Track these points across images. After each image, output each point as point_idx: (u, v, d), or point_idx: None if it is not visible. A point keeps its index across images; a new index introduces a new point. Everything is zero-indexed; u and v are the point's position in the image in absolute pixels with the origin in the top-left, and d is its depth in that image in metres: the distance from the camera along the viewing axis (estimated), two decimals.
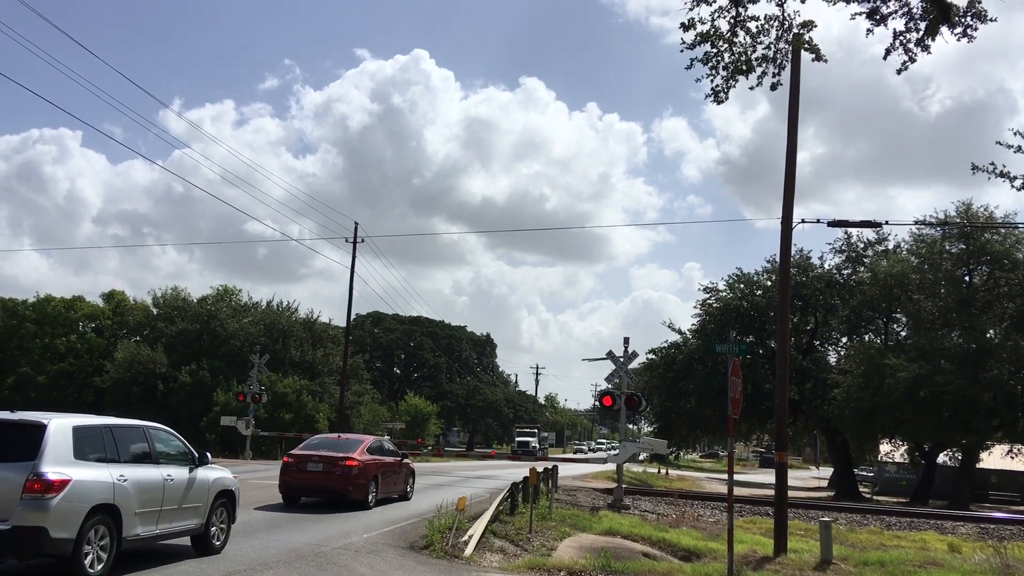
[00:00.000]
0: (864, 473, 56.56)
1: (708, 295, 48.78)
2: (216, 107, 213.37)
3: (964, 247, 39.04)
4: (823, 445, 51.66)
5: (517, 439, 78.41)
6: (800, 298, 44.94)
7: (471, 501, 18.79)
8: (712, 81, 11.36)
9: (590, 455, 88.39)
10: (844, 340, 48.21)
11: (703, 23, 10.91)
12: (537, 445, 75.88)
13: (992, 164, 13.28)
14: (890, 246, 45.33)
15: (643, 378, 48.11)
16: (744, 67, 11.12)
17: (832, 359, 48.15)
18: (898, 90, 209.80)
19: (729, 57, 11.15)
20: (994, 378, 35.34)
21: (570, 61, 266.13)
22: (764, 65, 11.30)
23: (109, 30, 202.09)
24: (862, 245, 46.32)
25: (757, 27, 10.99)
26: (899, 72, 11.15)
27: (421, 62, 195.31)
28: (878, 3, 10.77)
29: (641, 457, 47.28)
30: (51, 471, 9.31)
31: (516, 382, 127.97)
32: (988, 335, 37.89)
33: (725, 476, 16.19)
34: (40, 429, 9.60)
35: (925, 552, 18.14)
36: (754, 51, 11.12)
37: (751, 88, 11.60)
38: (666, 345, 49.40)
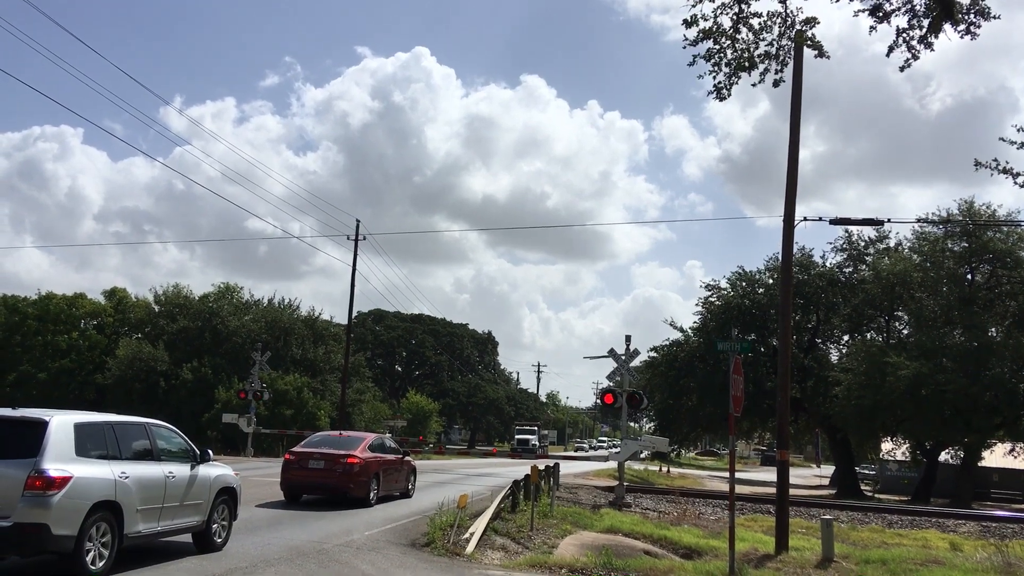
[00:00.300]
0: (866, 471, 56.53)
1: (710, 293, 48.79)
2: (217, 104, 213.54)
3: (966, 245, 38.99)
4: (824, 443, 51.72)
5: (517, 437, 78.18)
6: (802, 296, 44.90)
7: (472, 499, 18.80)
8: (715, 78, 11.37)
9: (591, 453, 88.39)
10: (846, 338, 48.16)
11: (706, 20, 10.92)
12: (537, 443, 75.74)
13: (995, 160, 13.27)
14: (891, 244, 45.33)
15: (644, 376, 48.07)
16: (747, 64, 11.12)
17: (834, 357, 48.13)
18: (899, 88, 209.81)
19: (732, 54, 11.15)
20: (996, 376, 35.31)
21: (571, 59, 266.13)
22: (767, 62, 11.31)
23: (110, 27, 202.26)
24: (863, 243, 46.28)
25: (760, 24, 11.00)
26: (902, 69, 11.14)
27: (422, 60, 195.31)
28: (881, 0, 10.76)
29: (643, 455, 47.26)
30: (53, 468, 9.31)
31: (518, 380, 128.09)
32: (990, 333, 37.85)
33: (726, 474, 16.18)
34: (42, 426, 9.60)
35: (927, 550, 18.12)
36: (757, 48, 11.13)
37: (753, 85, 11.60)
38: (668, 343, 49.38)
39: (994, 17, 10.38)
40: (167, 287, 61.18)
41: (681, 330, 49.27)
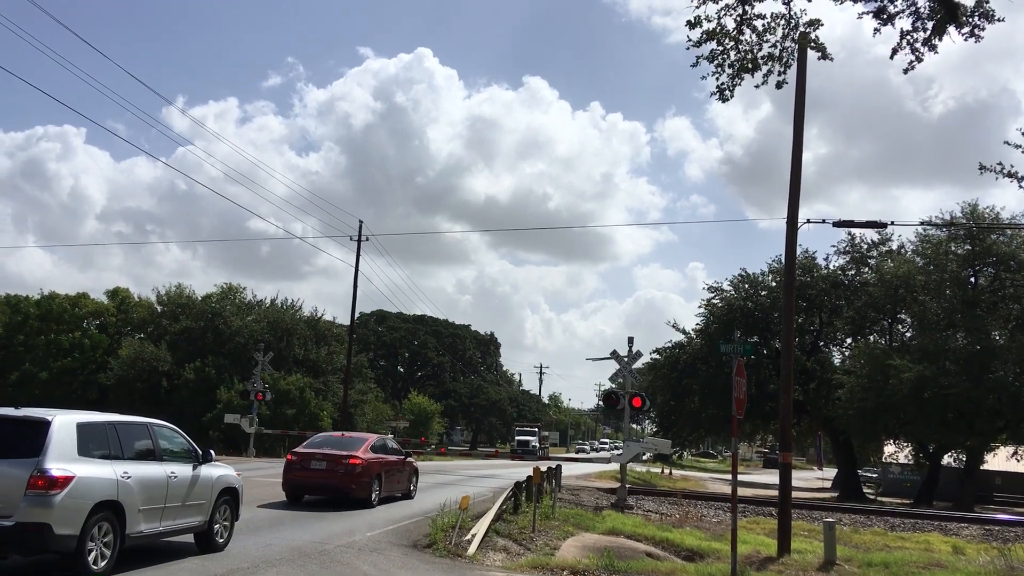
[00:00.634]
0: (868, 474, 56.46)
1: (712, 295, 48.76)
2: (220, 104, 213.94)
3: (970, 248, 38.92)
4: (827, 446, 51.60)
5: (517, 438, 77.79)
6: (805, 298, 44.86)
7: (474, 500, 18.77)
8: (718, 79, 11.34)
9: (592, 455, 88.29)
10: (848, 341, 48.11)
11: (709, 21, 10.88)
12: (537, 444, 75.36)
13: (1000, 164, 13.25)
14: (894, 247, 45.26)
15: (647, 378, 48.06)
16: (750, 65, 11.09)
17: (836, 360, 48.10)
18: (901, 90, 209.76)
19: (735, 55, 11.12)
20: (999, 380, 35.24)
21: (573, 60, 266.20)
22: (770, 64, 11.27)
23: (113, 27, 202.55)
24: (867, 246, 46.23)
25: (763, 25, 10.96)
26: (905, 72, 11.10)
27: (424, 60, 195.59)
28: (885, 2, 10.73)
29: (644, 457, 47.22)
30: (55, 468, 9.31)
31: (520, 381, 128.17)
32: (993, 336, 37.80)
33: (728, 476, 16.16)
34: (44, 426, 9.60)
35: (929, 554, 18.10)
36: (760, 49, 11.09)
37: (757, 86, 11.57)
38: (670, 345, 49.38)
39: (998, 19, 10.35)
40: (170, 287, 61.29)
41: (683, 332, 49.29)
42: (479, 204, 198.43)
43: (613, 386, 28.46)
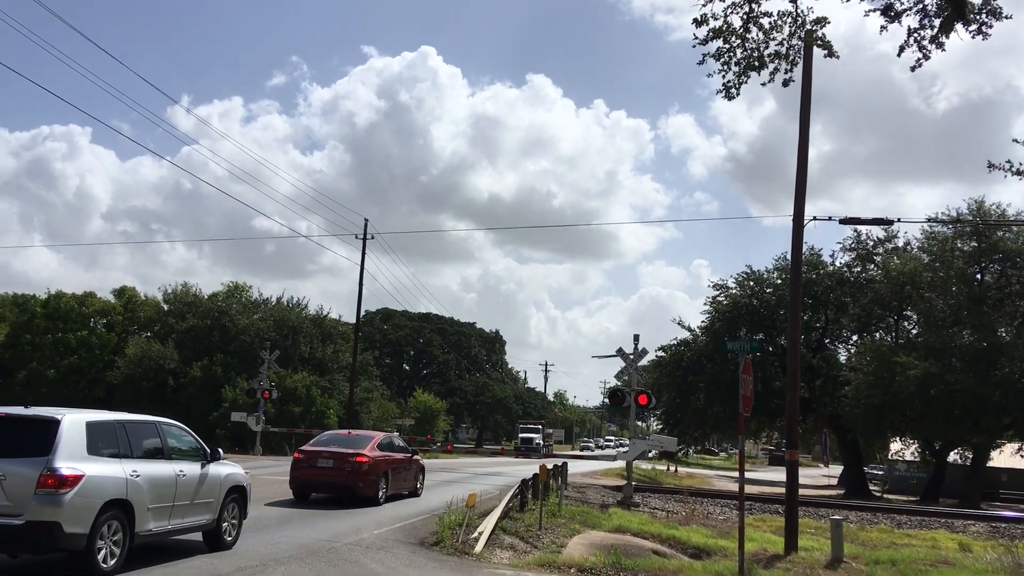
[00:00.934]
0: (874, 471, 56.37)
1: (718, 292, 48.70)
2: (224, 104, 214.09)
3: (976, 245, 38.84)
4: (832, 443, 51.54)
5: (520, 436, 77.18)
6: (810, 296, 44.78)
7: (481, 498, 18.81)
8: (724, 77, 11.34)
9: (598, 452, 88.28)
10: (854, 338, 48.05)
11: (716, 19, 10.89)
12: (541, 442, 74.69)
13: (1008, 162, 13.22)
14: (900, 244, 45.17)
15: (652, 375, 48.05)
16: (756, 63, 11.09)
17: (842, 357, 48.01)
18: (905, 87, 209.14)
19: (741, 53, 11.12)
20: (1005, 376, 35.17)
21: (576, 58, 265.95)
22: (776, 61, 11.26)
23: (117, 27, 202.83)
24: (872, 243, 46.13)
25: (770, 23, 10.96)
26: (913, 69, 11.10)
27: (428, 59, 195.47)
28: (892, 0, 10.73)
29: (650, 454, 47.21)
30: (65, 466, 9.34)
31: (525, 379, 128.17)
32: (999, 333, 37.70)
33: (734, 473, 16.18)
34: (54, 424, 9.63)
35: (936, 551, 18.08)
36: (767, 47, 11.09)
37: (763, 84, 11.57)
38: (675, 342, 49.33)
39: (1006, 17, 10.33)
40: (176, 286, 61.52)
41: (689, 329, 49.24)
42: (483, 202, 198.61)
43: (619, 383, 28.46)
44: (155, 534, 10.83)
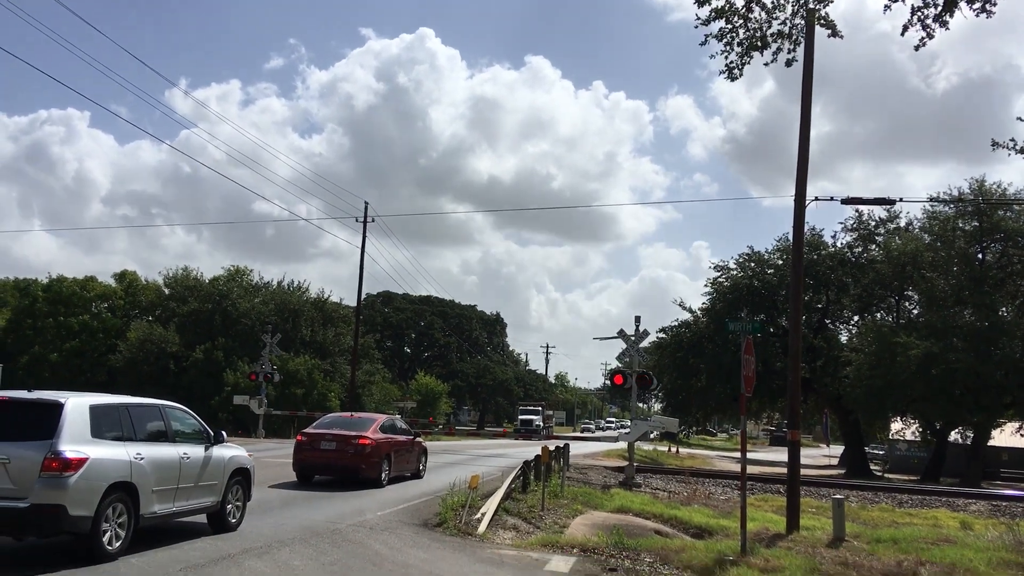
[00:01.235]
0: (875, 451, 56.55)
1: (719, 273, 48.72)
2: (222, 87, 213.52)
3: (977, 224, 38.80)
4: (833, 423, 51.67)
5: (520, 417, 76.61)
6: (812, 276, 44.78)
7: (483, 479, 18.85)
8: (726, 57, 11.30)
9: (599, 434, 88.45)
10: (856, 318, 48.12)
11: None
12: (541, 424, 74.19)
13: (1012, 140, 13.16)
14: (902, 224, 45.13)
15: (653, 357, 48.14)
16: (759, 43, 11.04)
17: (844, 337, 48.09)
18: (905, 66, 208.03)
19: (744, 33, 11.08)
20: (1006, 356, 35.25)
21: (575, 39, 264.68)
22: (779, 41, 11.22)
23: (115, 9, 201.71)
24: (874, 223, 46.12)
25: (772, 2, 10.91)
26: (917, 48, 11.04)
27: (426, 41, 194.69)
28: None
29: (652, 435, 47.36)
30: (69, 449, 9.36)
31: (526, 361, 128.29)
32: (1001, 313, 37.74)
33: (734, 454, 16.22)
34: (58, 408, 9.65)
35: (937, 529, 18.15)
36: (769, 27, 11.06)
37: (766, 64, 11.52)
38: (676, 324, 49.41)
39: None
40: (176, 270, 61.47)
41: (690, 311, 49.33)
42: (482, 184, 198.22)
43: (620, 365, 28.50)
44: (160, 516, 10.87)
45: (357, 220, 46.96)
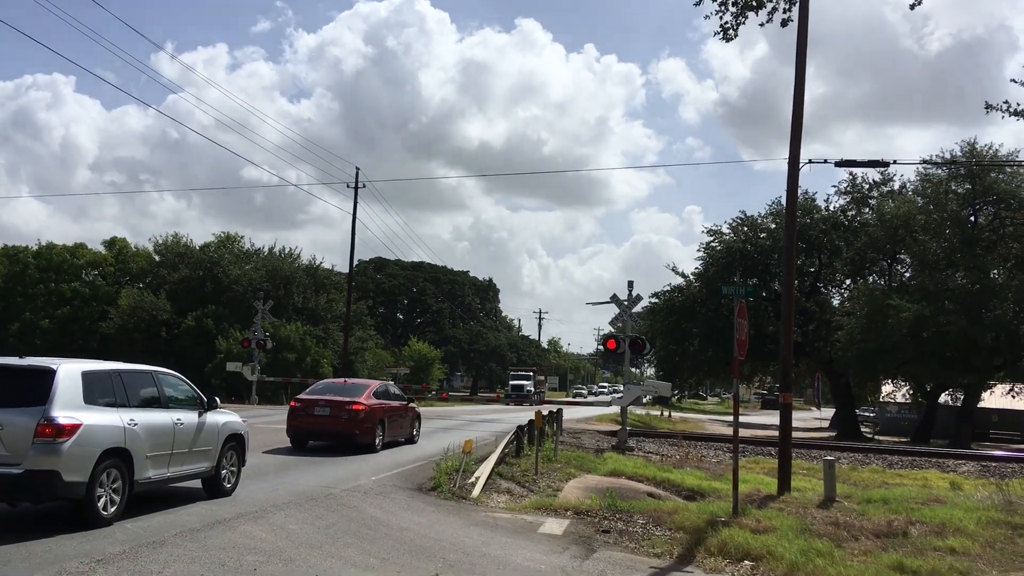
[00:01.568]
0: (865, 414, 56.97)
1: (711, 238, 48.61)
2: (209, 51, 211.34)
3: (970, 187, 38.77)
4: (824, 386, 51.95)
5: (511, 383, 76.19)
6: (804, 240, 44.76)
7: (477, 444, 18.92)
8: (721, 18, 11.21)
9: (591, 399, 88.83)
10: (848, 282, 48.16)
11: None
12: (532, 389, 74.06)
13: (1006, 103, 13.09)
14: (895, 187, 45.05)
15: (646, 322, 48.19)
16: (755, 2, 10.91)
17: (836, 301, 48.18)
18: (897, 28, 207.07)
19: None
20: (998, 318, 35.40)
21: (566, 2, 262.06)
22: (774, 0, 11.08)
23: None
24: (867, 186, 46.03)
25: None
26: (912, 8, 10.95)
27: (415, 3, 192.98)
28: None
29: (645, 400, 47.61)
30: (62, 415, 9.34)
31: (519, 327, 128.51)
32: (992, 275, 37.84)
33: (726, 417, 16.31)
34: (50, 374, 9.61)
35: (927, 490, 18.30)
36: None
37: (761, 24, 11.42)
38: (669, 288, 49.40)
39: None
40: (166, 237, 61.16)
41: (682, 275, 49.28)
42: (473, 150, 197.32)
43: (613, 330, 28.53)
44: (154, 482, 10.89)
45: (348, 186, 46.88)
